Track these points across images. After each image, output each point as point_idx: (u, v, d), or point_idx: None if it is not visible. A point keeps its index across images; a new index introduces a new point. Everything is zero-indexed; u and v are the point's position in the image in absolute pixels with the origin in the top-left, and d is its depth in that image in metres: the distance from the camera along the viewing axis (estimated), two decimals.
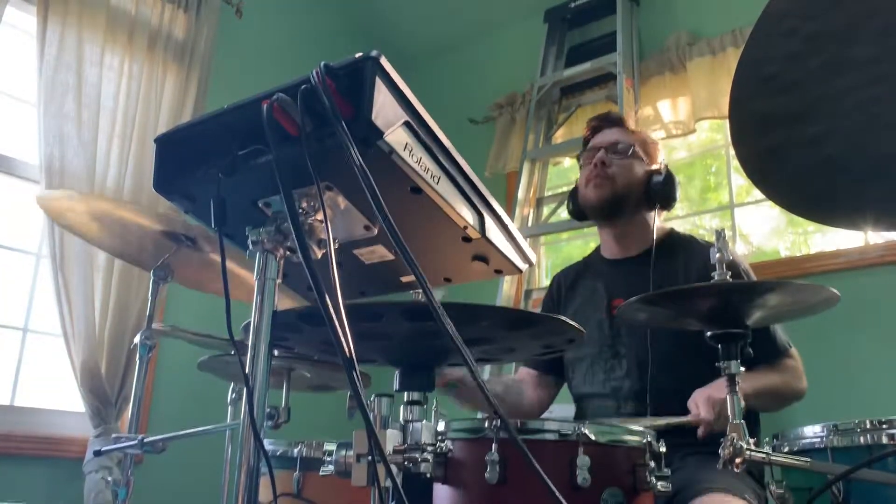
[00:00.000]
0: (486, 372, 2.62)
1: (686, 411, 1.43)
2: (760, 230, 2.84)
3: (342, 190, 0.80)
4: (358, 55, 0.72)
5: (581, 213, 1.86)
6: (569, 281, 1.90)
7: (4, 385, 2.45)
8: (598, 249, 1.93)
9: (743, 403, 1.31)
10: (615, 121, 1.85)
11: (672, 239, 1.80)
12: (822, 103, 0.77)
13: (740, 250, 2.76)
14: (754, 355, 1.57)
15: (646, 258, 1.75)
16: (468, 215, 0.85)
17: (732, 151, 1.99)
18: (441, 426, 1.15)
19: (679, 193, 1.77)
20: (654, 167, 1.79)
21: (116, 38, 2.70)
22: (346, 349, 0.66)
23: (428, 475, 0.92)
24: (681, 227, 2.49)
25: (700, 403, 1.40)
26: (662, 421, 1.40)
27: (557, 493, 0.66)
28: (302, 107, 0.70)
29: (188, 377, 2.33)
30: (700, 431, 1.37)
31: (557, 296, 1.92)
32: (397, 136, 0.73)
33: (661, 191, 1.74)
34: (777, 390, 1.54)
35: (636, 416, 1.59)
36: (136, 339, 1.72)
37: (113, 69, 2.67)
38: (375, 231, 0.86)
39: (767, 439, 1.27)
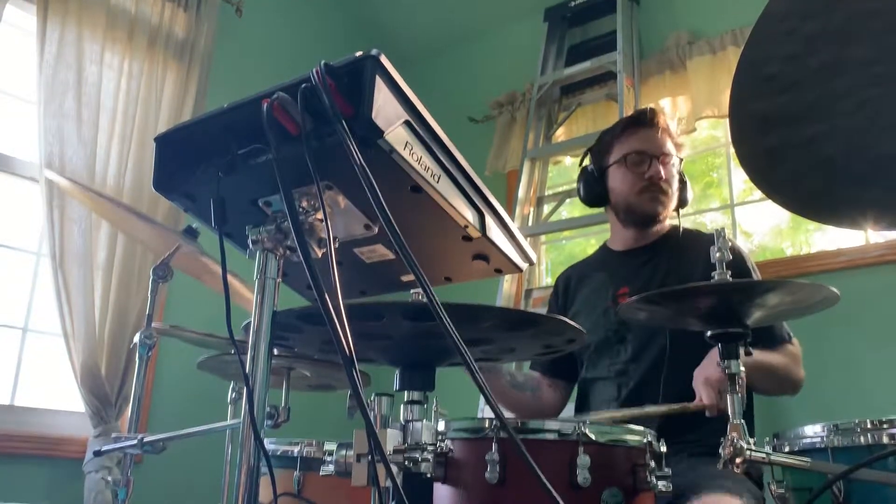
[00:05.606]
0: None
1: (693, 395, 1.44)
2: (761, 228, 2.84)
3: (342, 189, 0.79)
4: (358, 54, 0.72)
5: (597, 199, 1.88)
6: (577, 276, 1.94)
7: (4, 385, 2.44)
8: (604, 244, 1.98)
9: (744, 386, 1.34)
10: (665, 128, 1.83)
11: (678, 232, 1.85)
12: (822, 103, 0.77)
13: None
14: (755, 344, 1.61)
15: (652, 249, 1.82)
16: (468, 214, 0.85)
17: (733, 150, 2.00)
18: (441, 426, 1.15)
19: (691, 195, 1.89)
20: None
21: (116, 37, 2.70)
22: (347, 348, 0.66)
23: (428, 475, 0.92)
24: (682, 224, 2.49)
25: (700, 389, 1.43)
26: (664, 408, 1.43)
27: (556, 494, 0.66)
28: (302, 106, 0.70)
29: (188, 377, 2.33)
30: (709, 414, 1.40)
31: (564, 291, 1.95)
32: (397, 135, 0.73)
33: (682, 196, 1.85)
34: (775, 370, 1.57)
35: (637, 402, 1.60)
36: (136, 339, 1.72)
37: (113, 68, 2.67)
38: (376, 230, 0.85)
39: (767, 439, 1.26)
